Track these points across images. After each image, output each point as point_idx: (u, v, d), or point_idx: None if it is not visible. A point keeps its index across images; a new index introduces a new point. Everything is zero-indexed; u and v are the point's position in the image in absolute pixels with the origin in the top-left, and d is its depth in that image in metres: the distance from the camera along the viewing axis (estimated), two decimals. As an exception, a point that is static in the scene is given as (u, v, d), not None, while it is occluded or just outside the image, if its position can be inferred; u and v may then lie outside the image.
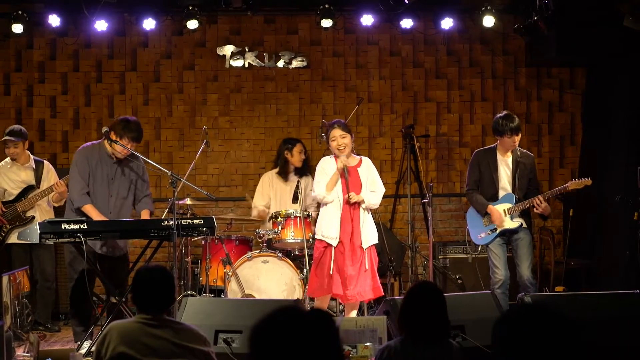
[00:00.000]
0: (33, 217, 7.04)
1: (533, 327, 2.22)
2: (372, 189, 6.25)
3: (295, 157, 7.72)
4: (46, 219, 6.39)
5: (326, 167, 6.24)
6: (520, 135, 6.60)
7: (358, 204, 6.14)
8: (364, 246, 6.12)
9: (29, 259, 7.07)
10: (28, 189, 7.12)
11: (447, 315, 3.69)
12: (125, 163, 6.27)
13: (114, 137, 6.14)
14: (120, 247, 6.27)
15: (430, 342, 3.62)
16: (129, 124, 6.17)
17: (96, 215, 6.02)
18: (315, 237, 6.29)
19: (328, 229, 6.13)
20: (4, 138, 7.10)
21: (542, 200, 6.48)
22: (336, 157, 6.21)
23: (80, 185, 6.13)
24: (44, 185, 7.12)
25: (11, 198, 7.12)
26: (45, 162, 7.37)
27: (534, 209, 6.54)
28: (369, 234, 6.18)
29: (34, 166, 7.20)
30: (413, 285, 3.98)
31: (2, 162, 7.24)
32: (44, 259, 7.18)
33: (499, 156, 6.66)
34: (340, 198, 6.14)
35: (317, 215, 6.58)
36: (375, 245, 6.28)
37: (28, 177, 7.17)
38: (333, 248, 6.09)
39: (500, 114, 6.62)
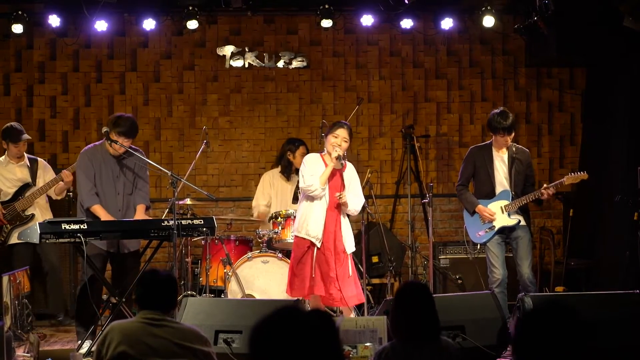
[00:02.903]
0: (33, 215, 7.04)
1: (553, 327, 2.23)
2: (355, 193, 6.15)
3: (298, 159, 7.72)
4: (46, 218, 6.42)
5: (314, 164, 6.10)
6: (513, 134, 6.61)
7: (340, 207, 6.07)
8: (348, 251, 6.07)
9: (31, 256, 7.10)
10: (25, 187, 7.11)
11: (437, 313, 3.69)
12: (128, 160, 6.27)
13: (110, 132, 6.17)
14: (132, 242, 6.29)
15: (423, 341, 3.63)
16: (119, 119, 6.18)
17: (104, 216, 6.05)
18: (297, 234, 6.10)
19: (314, 228, 5.99)
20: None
21: (550, 190, 6.46)
22: (322, 155, 6.13)
23: (88, 186, 6.16)
24: (40, 182, 7.11)
25: (8, 198, 7.09)
26: (39, 159, 7.36)
27: (542, 196, 6.51)
28: (349, 240, 6.11)
29: (28, 164, 7.19)
30: (400, 286, 3.99)
31: None
32: (49, 254, 7.27)
33: (494, 152, 6.66)
34: (327, 198, 6.05)
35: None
36: (353, 252, 6.22)
37: (24, 174, 7.16)
38: (315, 249, 6.00)
39: (496, 110, 6.61)
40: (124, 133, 6.15)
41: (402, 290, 3.84)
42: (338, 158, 5.96)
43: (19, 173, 7.15)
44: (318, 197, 6.02)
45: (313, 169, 6.06)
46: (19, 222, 7.02)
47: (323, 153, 6.17)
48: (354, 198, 6.12)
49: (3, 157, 7.19)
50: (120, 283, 6.13)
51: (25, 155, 7.23)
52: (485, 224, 6.61)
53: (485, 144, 6.80)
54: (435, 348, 3.63)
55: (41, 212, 7.07)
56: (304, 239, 6.02)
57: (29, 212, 7.07)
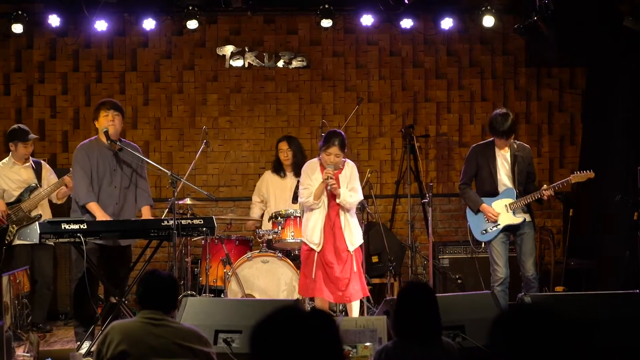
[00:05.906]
0: (40, 216, 7.03)
1: (528, 327, 2.23)
2: (350, 187, 6.17)
3: (281, 155, 7.71)
4: (46, 218, 6.42)
5: (311, 173, 6.20)
6: (514, 134, 6.62)
7: (338, 207, 6.13)
8: (350, 249, 6.13)
9: (30, 260, 7.05)
10: (29, 189, 7.11)
11: (439, 314, 3.69)
12: (124, 155, 6.27)
13: (95, 118, 6.27)
14: None
15: (425, 342, 3.62)
16: (103, 100, 6.43)
17: (100, 214, 6.02)
18: (302, 238, 6.33)
19: (312, 234, 6.15)
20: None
21: (549, 192, 6.47)
22: (321, 163, 6.19)
23: (85, 183, 6.14)
24: (45, 184, 7.13)
25: (12, 200, 7.07)
26: (43, 162, 7.39)
27: (543, 197, 6.52)
28: (353, 237, 6.17)
29: (33, 166, 7.19)
30: (403, 285, 3.98)
31: (2, 163, 7.21)
32: (43, 260, 7.15)
33: (497, 150, 6.65)
34: (325, 205, 6.14)
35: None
36: (361, 245, 6.28)
37: (29, 176, 7.16)
38: (316, 253, 6.12)
39: (498, 111, 6.60)
40: (113, 106, 6.26)
41: (405, 289, 3.84)
42: (327, 178, 6.01)
43: (24, 174, 7.15)
44: (317, 207, 6.15)
45: (309, 179, 6.17)
46: (26, 222, 6.98)
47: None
48: (350, 192, 6.15)
49: (7, 159, 7.18)
50: (112, 277, 6.09)
51: (30, 157, 7.25)
52: (490, 222, 6.59)
53: (488, 142, 6.78)
54: (436, 349, 3.62)
55: (45, 214, 7.07)
56: (306, 243, 6.21)
57: (35, 213, 7.07)
